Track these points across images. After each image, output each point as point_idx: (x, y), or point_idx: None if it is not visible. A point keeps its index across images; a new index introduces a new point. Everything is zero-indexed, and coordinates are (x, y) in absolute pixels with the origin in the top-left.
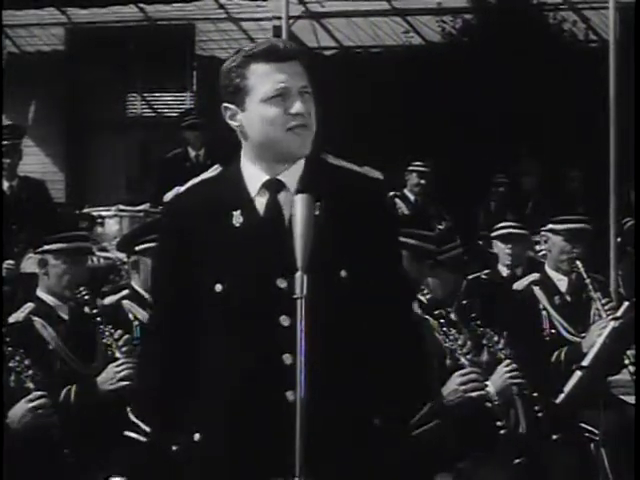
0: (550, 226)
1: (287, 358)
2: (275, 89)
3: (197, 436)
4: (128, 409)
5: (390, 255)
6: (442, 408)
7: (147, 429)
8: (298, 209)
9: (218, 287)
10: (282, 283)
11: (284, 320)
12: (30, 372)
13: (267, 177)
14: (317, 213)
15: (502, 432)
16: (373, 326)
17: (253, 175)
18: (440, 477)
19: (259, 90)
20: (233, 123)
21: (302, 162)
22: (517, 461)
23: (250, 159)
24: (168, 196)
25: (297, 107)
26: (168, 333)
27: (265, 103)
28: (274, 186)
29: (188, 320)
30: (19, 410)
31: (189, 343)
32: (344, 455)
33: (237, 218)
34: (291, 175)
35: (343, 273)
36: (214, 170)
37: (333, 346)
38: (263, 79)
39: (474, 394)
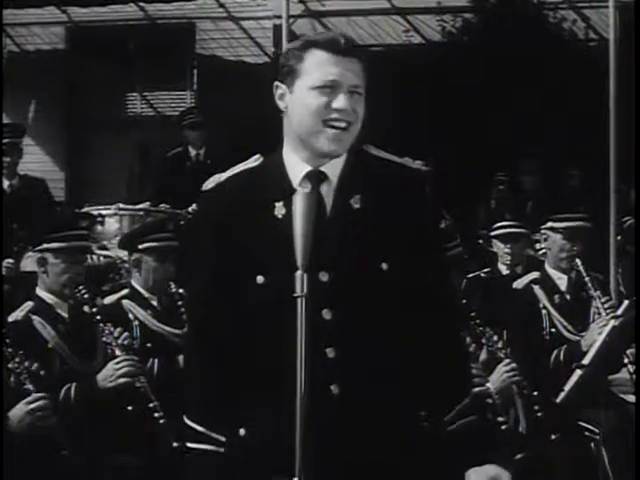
0: (550, 224)
1: (330, 352)
2: (325, 80)
3: (242, 431)
4: (184, 416)
5: (431, 246)
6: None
7: (221, 438)
8: (298, 206)
9: (260, 279)
10: (324, 276)
11: (326, 313)
12: (30, 373)
13: (309, 168)
14: (358, 206)
15: (502, 428)
16: (414, 319)
17: (295, 165)
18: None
19: (310, 76)
20: (281, 103)
21: (344, 153)
22: (518, 456)
23: (292, 147)
24: (208, 185)
25: (340, 102)
26: (210, 326)
27: (312, 91)
28: (316, 177)
29: (231, 312)
30: (18, 412)
31: (230, 336)
32: (383, 451)
33: (279, 210)
34: (333, 166)
35: (384, 266)
36: (255, 160)
37: (373, 338)
38: (317, 66)
39: (474, 390)
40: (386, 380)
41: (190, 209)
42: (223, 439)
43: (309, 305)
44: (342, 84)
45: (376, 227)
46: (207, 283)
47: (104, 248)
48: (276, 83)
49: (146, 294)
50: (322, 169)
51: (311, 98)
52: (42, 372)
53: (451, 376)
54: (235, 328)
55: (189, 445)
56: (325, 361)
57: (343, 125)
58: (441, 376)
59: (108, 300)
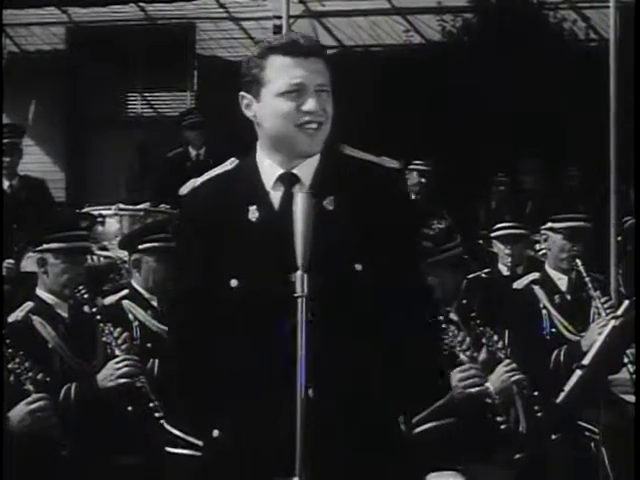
0: (550, 224)
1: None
2: (290, 84)
3: (216, 432)
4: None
5: (406, 247)
6: (453, 407)
7: (198, 442)
8: (298, 207)
9: (234, 282)
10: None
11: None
12: (30, 374)
13: (282, 171)
14: (331, 208)
15: (502, 427)
16: (388, 320)
17: (268, 168)
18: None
19: (275, 83)
20: (248, 113)
21: (317, 155)
22: (517, 457)
23: (265, 152)
24: (184, 190)
25: (310, 105)
26: (186, 328)
27: (279, 97)
28: (288, 180)
29: (205, 315)
30: (18, 412)
31: (206, 339)
32: (355, 454)
33: (253, 213)
34: (306, 168)
35: (358, 267)
36: (231, 163)
37: (347, 341)
38: (280, 72)
39: (474, 390)
40: (360, 381)
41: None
42: (200, 443)
43: (284, 306)
44: (308, 86)
45: (350, 228)
46: (184, 287)
47: (104, 248)
48: (241, 93)
49: (146, 294)
50: (294, 171)
51: (280, 104)
52: (42, 372)
53: (425, 378)
54: (210, 332)
55: (168, 450)
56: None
57: (315, 126)
58: (415, 378)
59: (108, 300)
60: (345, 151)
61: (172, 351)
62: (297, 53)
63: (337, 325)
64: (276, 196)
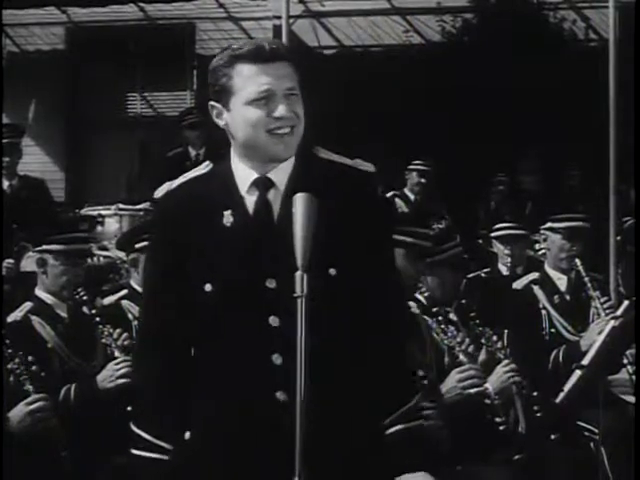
0: (549, 224)
1: (277, 358)
2: (258, 92)
3: (187, 434)
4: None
5: (381, 252)
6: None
7: (167, 446)
8: (298, 208)
9: (208, 287)
10: (271, 283)
11: (273, 320)
12: (29, 374)
13: (256, 175)
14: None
15: (501, 428)
16: (361, 325)
17: (243, 173)
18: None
19: (243, 92)
20: (219, 122)
21: (292, 158)
22: (517, 457)
23: (239, 157)
24: (159, 193)
25: (280, 110)
26: (159, 333)
27: (249, 105)
28: (263, 184)
29: (179, 319)
30: (18, 413)
31: (180, 343)
32: (338, 455)
33: (227, 218)
34: (281, 172)
35: (332, 271)
36: (205, 167)
37: (321, 345)
38: (247, 81)
39: (473, 390)
40: (333, 386)
41: None
42: (168, 447)
43: (256, 312)
44: (276, 91)
45: (324, 231)
46: (157, 289)
47: (104, 248)
48: (211, 103)
49: None
50: (269, 175)
51: (250, 112)
52: (42, 373)
53: (396, 379)
54: (183, 335)
55: (134, 452)
56: (272, 367)
57: (287, 130)
58: (386, 379)
59: (107, 301)
60: (319, 154)
61: (141, 354)
62: (262, 59)
63: (309, 330)
64: (251, 200)
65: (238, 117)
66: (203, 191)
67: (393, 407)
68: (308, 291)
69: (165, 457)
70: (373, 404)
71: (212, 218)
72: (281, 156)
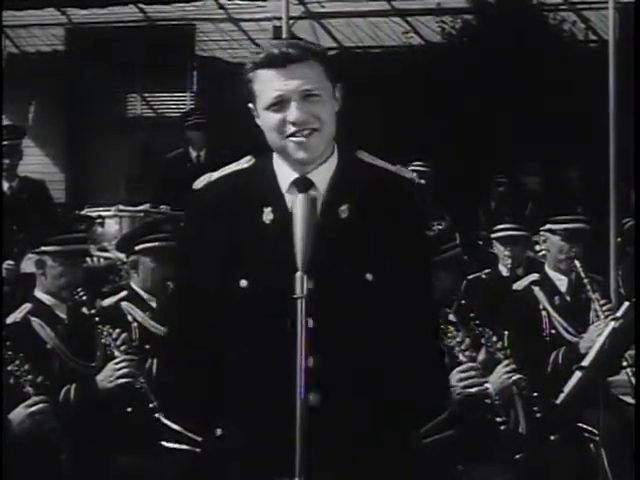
0: (549, 226)
1: (309, 360)
2: (272, 97)
3: (219, 431)
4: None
5: (418, 259)
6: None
7: (197, 438)
8: (298, 209)
9: (243, 283)
10: (308, 284)
11: (308, 321)
12: (29, 376)
13: (296, 175)
14: (345, 216)
15: (502, 428)
16: (395, 331)
17: (284, 171)
18: None
19: (262, 97)
20: (258, 121)
21: (334, 160)
22: (517, 457)
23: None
24: (199, 184)
25: (293, 115)
26: (192, 326)
27: (267, 111)
28: (303, 184)
29: (212, 314)
30: (18, 415)
31: (212, 339)
32: (358, 458)
33: (267, 215)
34: (321, 173)
35: (369, 276)
36: (247, 162)
37: (354, 349)
38: (264, 86)
39: (473, 390)
40: (365, 391)
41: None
42: (199, 439)
43: (292, 311)
44: (289, 96)
45: (363, 237)
46: (191, 283)
47: (104, 249)
48: (248, 105)
49: (144, 295)
50: (309, 176)
51: (268, 118)
52: (41, 374)
53: (430, 390)
54: (217, 330)
55: (165, 444)
56: (305, 369)
57: (305, 133)
58: (420, 389)
59: (107, 302)
60: (364, 158)
61: (174, 348)
62: (278, 64)
63: (343, 333)
64: (291, 199)
65: (262, 121)
66: (244, 185)
67: (428, 417)
68: (308, 292)
69: (196, 449)
70: (406, 412)
71: (252, 214)
72: (303, 160)
